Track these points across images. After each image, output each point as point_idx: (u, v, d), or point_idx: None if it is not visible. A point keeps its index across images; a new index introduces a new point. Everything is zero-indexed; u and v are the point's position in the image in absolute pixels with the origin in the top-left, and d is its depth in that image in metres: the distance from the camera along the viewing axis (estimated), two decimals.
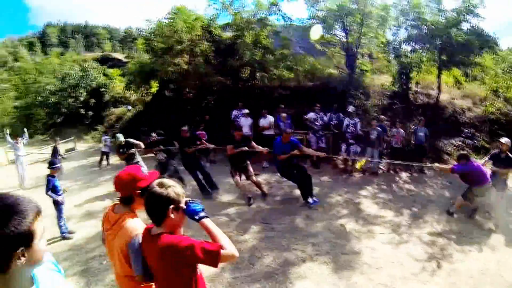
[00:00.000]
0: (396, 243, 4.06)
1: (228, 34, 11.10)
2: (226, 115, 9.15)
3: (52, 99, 18.05)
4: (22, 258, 0.85)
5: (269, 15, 10.55)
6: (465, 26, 8.94)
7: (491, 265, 3.56)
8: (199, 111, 10.35)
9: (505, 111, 9.48)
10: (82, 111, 17.35)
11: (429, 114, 9.17)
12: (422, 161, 7.27)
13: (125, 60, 24.98)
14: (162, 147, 6.21)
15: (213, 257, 1.32)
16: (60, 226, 4.47)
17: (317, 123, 7.76)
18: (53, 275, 1.08)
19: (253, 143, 5.35)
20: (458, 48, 8.71)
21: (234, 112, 8.86)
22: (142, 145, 6.20)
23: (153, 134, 6.48)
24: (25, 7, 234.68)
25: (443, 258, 3.70)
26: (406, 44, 10.03)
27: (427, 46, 9.55)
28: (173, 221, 1.40)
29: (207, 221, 1.42)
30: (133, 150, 6.11)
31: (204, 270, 1.57)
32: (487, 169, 4.89)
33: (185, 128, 6.09)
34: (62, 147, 12.08)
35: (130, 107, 16.15)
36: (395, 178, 7.05)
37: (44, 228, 0.93)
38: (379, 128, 7.19)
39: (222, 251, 1.33)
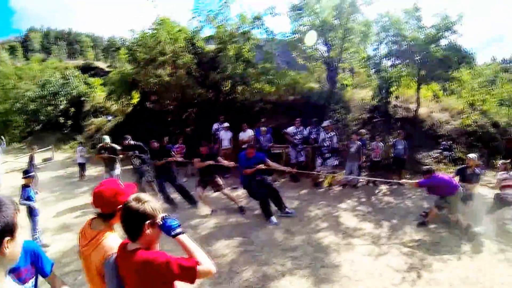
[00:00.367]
0: (376, 254, 4.02)
1: (211, 46, 11.05)
2: (207, 127, 9.04)
3: (31, 106, 17.45)
4: (8, 248, 0.94)
5: (252, 28, 10.60)
6: (443, 42, 9.17)
7: (471, 273, 3.55)
8: (180, 123, 10.19)
9: (481, 123, 9.69)
10: (62, 119, 16.87)
11: (408, 127, 9.30)
12: (401, 173, 7.41)
13: (107, 69, 24.63)
14: (137, 152, 6.21)
15: (190, 273, 1.30)
16: (34, 239, 4.23)
17: (296, 137, 7.74)
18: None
19: (219, 158, 5.46)
20: (437, 63, 8.90)
21: (215, 126, 8.83)
22: (118, 147, 6.43)
23: (128, 137, 6.45)
24: (9, 10, 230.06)
25: (423, 268, 3.67)
26: (386, 59, 10.20)
27: (407, 61, 9.72)
28: (149, 236, 1.38)
29: (183, 237, 1.39)
30: (115, 156, 6.38)
31: (181, 287, 1.50)
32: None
33: (154, 140, 6.16)
34: (40, 156, 11.67)
35: (110, 118, 15.78)
36: (374, 190, 7.07)
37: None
38: (359, 142, 7.22)
39: (198, 267, 1.31)
